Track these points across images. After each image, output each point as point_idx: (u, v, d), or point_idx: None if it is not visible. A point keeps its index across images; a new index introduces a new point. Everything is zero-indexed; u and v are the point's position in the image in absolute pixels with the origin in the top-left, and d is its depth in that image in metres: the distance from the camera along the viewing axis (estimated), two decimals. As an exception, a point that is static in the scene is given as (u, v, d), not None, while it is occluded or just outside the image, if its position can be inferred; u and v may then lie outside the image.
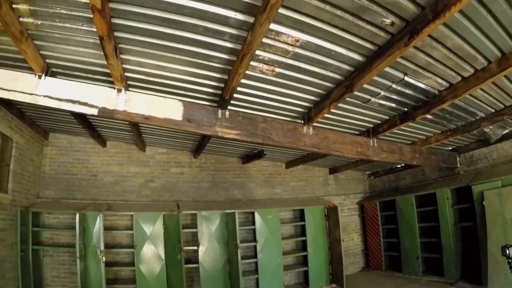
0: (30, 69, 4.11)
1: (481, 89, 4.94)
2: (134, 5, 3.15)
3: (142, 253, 7.30)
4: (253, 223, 8.36)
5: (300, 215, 9.21)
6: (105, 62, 3.80)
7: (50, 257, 7.23)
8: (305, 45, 3.75)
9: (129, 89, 4.61)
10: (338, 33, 3.53)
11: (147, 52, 3.96)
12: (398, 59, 3.89)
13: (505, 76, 4.60)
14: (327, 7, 3.12)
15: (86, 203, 7.60)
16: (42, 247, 7.11)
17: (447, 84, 4.74)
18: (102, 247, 6.59)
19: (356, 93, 4.76)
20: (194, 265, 7.74)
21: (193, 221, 8.13)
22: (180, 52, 3.93)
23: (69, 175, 7.94)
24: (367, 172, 11.80)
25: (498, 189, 6.50)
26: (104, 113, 4.21)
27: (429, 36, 3.55)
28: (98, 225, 6.72)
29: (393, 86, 4.71)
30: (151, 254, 7.37)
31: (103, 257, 6.57)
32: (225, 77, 4.42)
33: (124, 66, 4.23)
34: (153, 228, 7.47)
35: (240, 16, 3.25)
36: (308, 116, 5.66)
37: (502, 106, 5.78)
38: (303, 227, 9.05)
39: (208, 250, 7.88)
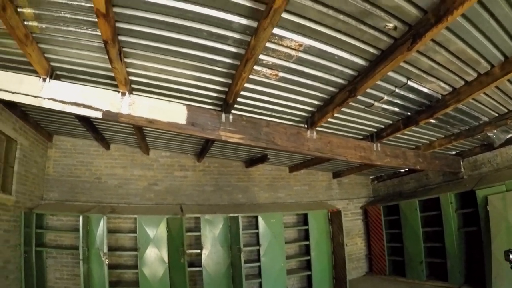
0: (34, 72, 4.15)
1: (485, 93, 4.91)
2: (139, 10, 3.17)
3: (145, 256, 7.31)
4: (257, 227, 8.34)
5: (304, 219, 9.21)
6: (109, 66, 3.83)
7: (53, 259, 7.26)
8: (308, 50, 3.76)
9: (133, 92, 4.65)
10: (341, 37, 3.54)
11: (151, 56, 3.99)
12: (401, 64, 3.89)
13: (508, 80, 4.58)
14: (330, 12, 3.13)
15: (90, 205, 7.63)
16: (46, 248, 7.14)
17: (450, 89, 4.73)
18: (105, 250, 6.62)
19: (359, 97, 4.76)
20: (197, 269, 7.74)
21: (196, 225, 8.13)
22: (184, 56, 3.95)
23: (73, 177, 7.99)
24: (371, 177, 11.75)
25: (502, 193, 6.45)
26: (108, 116, 4.24)
27: (432, 40, 3.55)
28: (101, 227, 6.75)
29: (396, 90, 4.70)
30: (154, 257, 7.38)
31: (107, 260, 6.59)
32: (229, 81, 4.43)
33: (128, 69, 4.26)
34: (156, 231, 7.48)
35: (243, 21, 3.27)
36: (311, 120, 5.66)
37: (506, 110, 5.75)
38: (306, 231, 9.03)
39: (211, 253, 7.88)
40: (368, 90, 4.59)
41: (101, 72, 4.44)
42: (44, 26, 3.50)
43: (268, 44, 3.58)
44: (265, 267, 8.14)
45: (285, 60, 3.97)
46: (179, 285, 7.13)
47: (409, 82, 4.47)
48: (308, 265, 8.91)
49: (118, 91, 4.35)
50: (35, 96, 4.02)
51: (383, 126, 6.28)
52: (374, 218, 10.32)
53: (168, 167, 8.89)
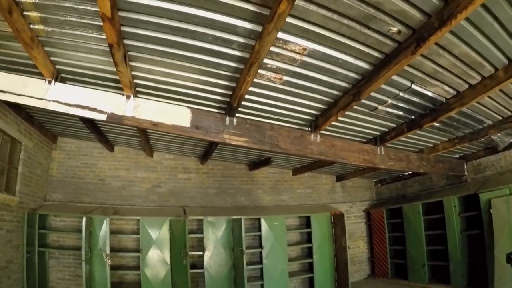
0: (40, 75, 4.19)
1: (489, 96, 4.92)
2: (144, 14, 3.19)
3: (147, 257, 7.32)
4: (259, 230, 8.35)
5: (306, 222, 9.19)
6: (114, 69, 3.85)
7: (56, 260, 7.27)
8: (312, 54, 3.77)
9: (138, 95, 4.68)
10: (345, 41, 3.55)
11: (156, 60, 4.01)
12: (405, 67, 3.88)
13: (513, 84, 4.58)
14: (334, 16, 3.14)
15: (93, 207, 7.66)
16: (48, 249, 7.16)
17: (454, 92, 4.73)
18: (108, 251, 6.64)
19: (363, 101, 4.78)
20: (200, 270, 7.75)
21: (199, 227, 8.14)
22: (189, 60, 3.97)
23: (76, 179, 8.01)
24: (374, 180, 11.74)
25: (505, 197, 6.45)
26: (113, 119, 4.26)
27: (436, 44, 3.56)
28: (104, 229, 6.77)
29: (400, 94, 4.70)
30: (157, 259, 7.38)
31: (109, 261, 6.61)
32: (233, 85, 4.45)
33: (133, 73, 4.28)
34: (159, 233, 7.49)
35: (248, 25, 3.28)
36: (315, 124, 5.67)
37: (510, 114, 5.75)
38: (309, 234, 9.02)
39: (213, 255, 7.88)
40: (372, 94, 4.60)
41: (106, 75, 4.46)
42: (50, 29, 3.53)
43: (272, 48, 3.59)
44: (267, 269, 8.14)
45: (289, 64, 3.98)
46: (181, 287, 7.14)
47: (413, 86, 4.47)
48: (310, 268, 8.91)
49: (123, 94, 4.37)
50: (40, 99, 4.05)
51: (387, 130, 6.28)
52: (377, 221, 10.31)
53: (172, 169, 8.90)
